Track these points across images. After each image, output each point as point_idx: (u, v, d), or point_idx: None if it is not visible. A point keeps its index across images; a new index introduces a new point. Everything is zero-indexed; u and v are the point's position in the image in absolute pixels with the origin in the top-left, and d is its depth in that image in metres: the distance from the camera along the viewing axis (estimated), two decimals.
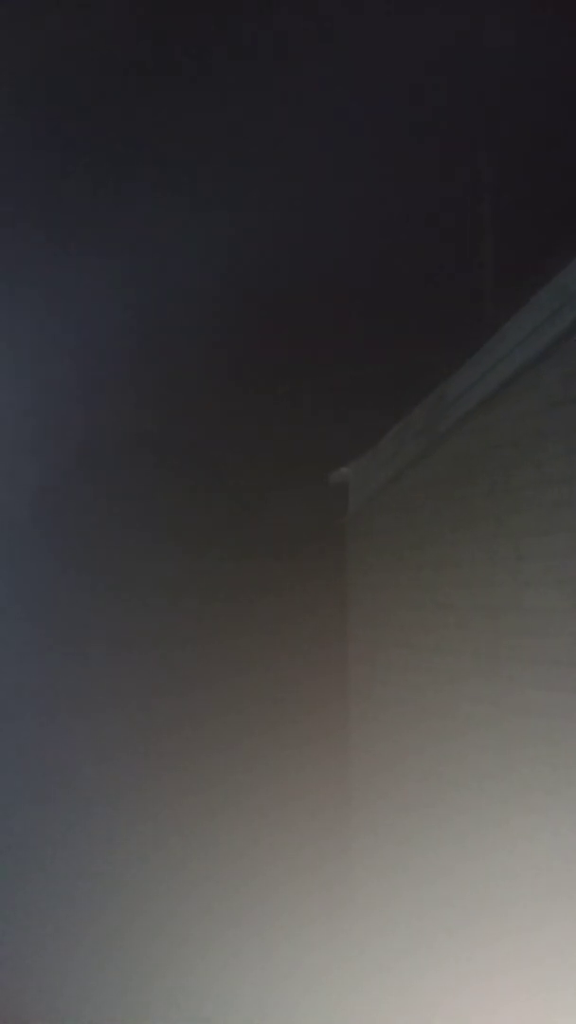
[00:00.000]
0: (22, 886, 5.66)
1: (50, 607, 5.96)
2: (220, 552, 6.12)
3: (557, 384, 3.90)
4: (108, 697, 5.96)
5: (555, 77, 5.89)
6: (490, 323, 4.40)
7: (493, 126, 6.25)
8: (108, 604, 6.07)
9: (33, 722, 5.89)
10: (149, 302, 6.04)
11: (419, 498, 4.91)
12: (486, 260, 6.11)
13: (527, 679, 3.96)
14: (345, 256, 6.30)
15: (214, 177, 6.06)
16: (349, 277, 6.32)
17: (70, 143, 6.11)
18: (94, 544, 6.07)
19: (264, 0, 6.07)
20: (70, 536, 6.04)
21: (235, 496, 6.21)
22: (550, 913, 3.74)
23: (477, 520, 4.39)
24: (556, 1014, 3.64)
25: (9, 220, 6.04)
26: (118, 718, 5.97)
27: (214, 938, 5.36)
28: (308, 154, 6.02)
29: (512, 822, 4.03)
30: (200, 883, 5.65)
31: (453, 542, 4.59)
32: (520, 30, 5.85)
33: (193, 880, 5.65)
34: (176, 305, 6.09)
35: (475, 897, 4.25)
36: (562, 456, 3.86)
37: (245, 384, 6.25)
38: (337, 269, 6.28)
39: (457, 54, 6.08)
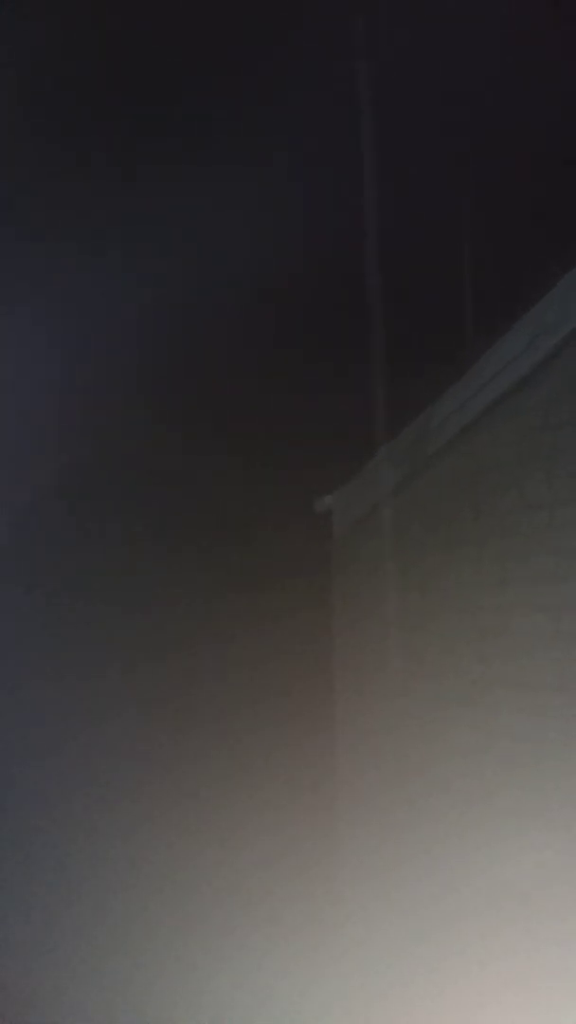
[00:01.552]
0: (22, 888, 5.65)
1: (30, 638, 5.95)
2: (204, 581, 6.13)
3: (537, 411, 3.97)
4: (92, 729, 5.95)
5: (532, 115, 6.02)
6: (471, 352, 4.47)
7: (470, 161, 6.36)
8: (88, 634, 6.06)
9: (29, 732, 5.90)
10: (131, 331, 6.08)
11: (404, 524, 4.96)
12: (467, 290, 6.20)
13: (513, 704, 3.99)
14: (328, 286, 6.37)
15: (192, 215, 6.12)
16: (332, 306, 6.39)
17: (69, 141, 6.13)
18: (71, 572, 6.07)
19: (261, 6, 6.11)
20: (45, 567, 6.04)
21: (219, 524, 6.23)
22: (535, 938, 3.74)
23: (462, 545, 4.43)
24: None
25: None
26: (105, 749, 5.95)
27: (211, 943, 5.36)
28: (287, 188, 6.10)
29: (498, 847, 4.03)
30: (198, 889, 5.66)
31: (438, 567, 4.63)
32: (490, 83, 5.98)
33: (191, 886, 5.66)
34: (157, 335, 6.14)
35: (460, 924, 4.24)
36: (544, 481, 3.92)
37: (229, 410, 6.30)
38: (320, 298, 6.35)
39: (429, 99, 6.20)
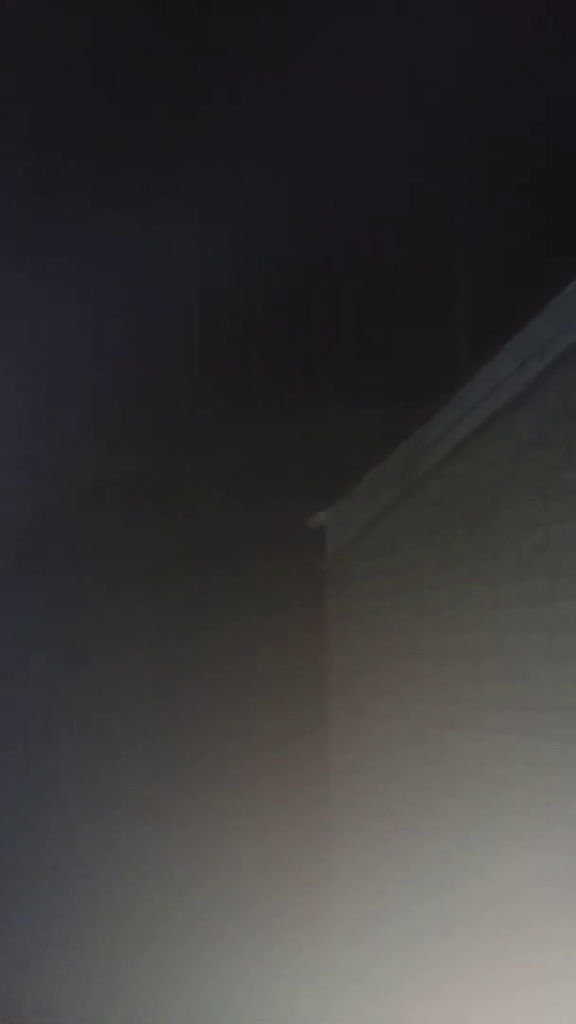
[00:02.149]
0: (21, 890, 5.64)
1: (14, 669, 5.95)
2: (197, 600, 6.12)
3: (529, 430, 3.98)
4: (91, 737, 5.94)
5: (530, 129, 6.06)
6: (464, 371, 4.49)
7: (466, 178, 6.40)
8: (81, 654, 6.04)
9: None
10: (122, 348, 6.09)
11: (397, 543, 4.95)
12: (460, 311, 6.23)
13: (506, 725, 3.97)
14: (321, 304, 6.40)
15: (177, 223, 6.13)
16: (325, 325, 6.41)
17: (67, 141, 6.15)
18: (64, 593, 6.05)
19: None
20: (35, 586, 6.03)
21: (214, 543, 6.23)
22: (531, 963, 3.72)
23: (455, 565, 4.42)
24: None
25: None
26: (99, 772, 5.93)
27: (208, 944, 5.36)
28: (272, 210, 6.12)
29: (492, 869, 4.01)
30: (196, 891, 5.66)
31: (431, 587, 4.62)
32: (484, 95, 6.03)
33: (189, 888, 5.66)
34: (150, 352, 6.15)
35: (455, 949, 4.21)
36: (537, 501, 3.92)
37: (222, 429, 6.30)
38: (313, 317, 6.37)
39: (428, 112, 6.25)
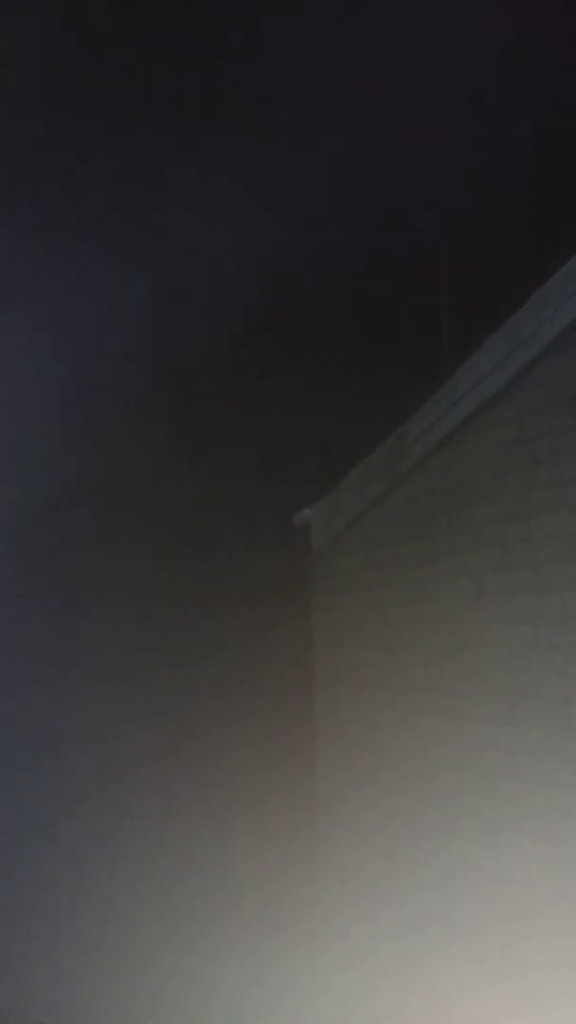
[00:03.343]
0: (20, 891, 5.65)
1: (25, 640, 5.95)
2: (182, 598, 6.13)
3: (512, 424, 4.01)
4: (88, 738, 5.95)
5: (511, 127, 6.10)
6: (446, 367, 4.52)
7: (450, 174, 6.43)
8: (69, 652, 6.04)
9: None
10: (109, 346, 6.09)
11: (381, 537, 4.98)
12: (443, 306, 6.27)
13: (491, 715, 4.01)
14: (304, 301, 6.41)
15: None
16: (308, 322, 6.43)
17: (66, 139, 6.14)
18: (51, 591, 6.05)
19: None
20: (21, 583, 6.03)
21: (198, 540, 6.24)
22: (520, 954, 3.75)
23: (439, 558, 4.46)
24: None
25: None
26: (100, 757, 5.94)
27: (205, 946, 5.38)
28: (266, 197, 6.14)
29: (476, 857, 4.05)
30: (193, 894, 5.69)
31: (416, 580, 4.65)
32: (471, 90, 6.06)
33: (187, 890, 5.69)
34: (135, 349, 6.15)
35: (441, 938, 4.25)
36: (519, 494, 3.96)
37: (208, 429, 6.31)
38: (296, 314, 6.39)
39: (414, 106, 6.27)
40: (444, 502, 4.43)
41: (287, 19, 6.03)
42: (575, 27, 5.62)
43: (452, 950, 4.19)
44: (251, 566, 6.15)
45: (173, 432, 6.22)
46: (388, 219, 6.27)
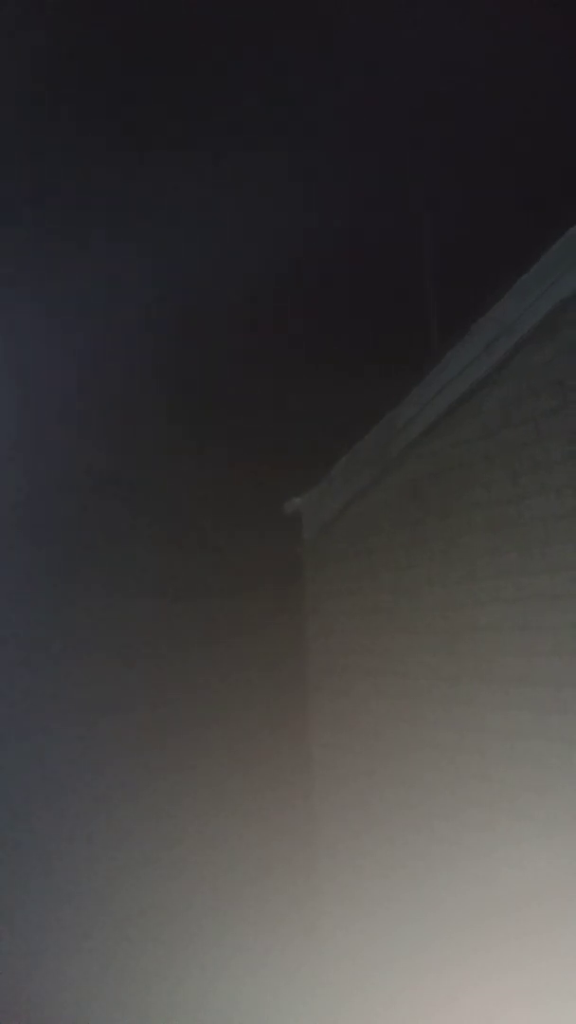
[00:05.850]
0: (21, 895, 5.67)
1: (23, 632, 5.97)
2: (175, 590, 6.16)
3: (497, 410, 4.07)
4: (85, 732, 5.97)
5: (499, 114, 6.13)
6: (433, 354, 4.57)
7: (434, 162, 6.46)
8: (63, 642, 6.06)
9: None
10: (101, 337, 6.11)
11: (372, 524, 5.03)
12: (429, 294, 6.31)
13: (483, 699, 4.08)
14: (292, 289, 6.44)
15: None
16: (296, 310, 6.46)
17: (64, 139, 6.14)
18: (45, 582, 6.07)
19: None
20: (19, 576, 6.04)
21: (191, 529, 6.27)
22: (523, 947, 3.82)
23: (430, 543, 4.52)
24: None
25: None
26: (80, 758, 5.96)
27: (203, 947, 5.43)
28: (253, 189, 6.16)
29: (471, 843, 4.11)
30: (191, 894, 5.73)
31: (408, 566, 4.71)
32: (458, 78, 6.08)
33: (185, 891, 5.73)
34: (127, 341, 6.17)
35: (440, 929, 4.31)
36: (507, 478, 4.02)
37: (198, 418, 6.34)
38: (284, 303, 6.42)
39: (401, 95, 6.29)
40: (433, 488, 4.49)
41: (286, 19, 6.05)
42: (561, 24, 5.65)
43: (451, 943, 4.24)
44: (243, 555, 6.19)
45: (162, 424, 6.25)
46: (376, 208, 6.30)
